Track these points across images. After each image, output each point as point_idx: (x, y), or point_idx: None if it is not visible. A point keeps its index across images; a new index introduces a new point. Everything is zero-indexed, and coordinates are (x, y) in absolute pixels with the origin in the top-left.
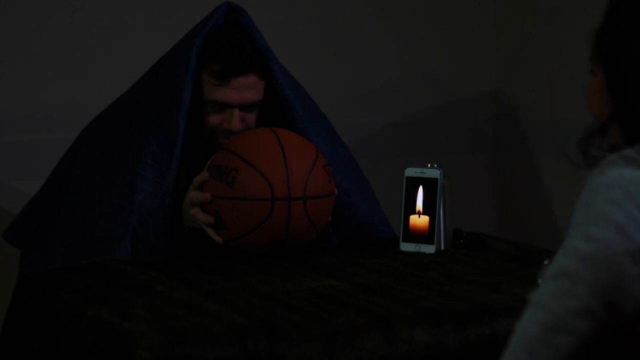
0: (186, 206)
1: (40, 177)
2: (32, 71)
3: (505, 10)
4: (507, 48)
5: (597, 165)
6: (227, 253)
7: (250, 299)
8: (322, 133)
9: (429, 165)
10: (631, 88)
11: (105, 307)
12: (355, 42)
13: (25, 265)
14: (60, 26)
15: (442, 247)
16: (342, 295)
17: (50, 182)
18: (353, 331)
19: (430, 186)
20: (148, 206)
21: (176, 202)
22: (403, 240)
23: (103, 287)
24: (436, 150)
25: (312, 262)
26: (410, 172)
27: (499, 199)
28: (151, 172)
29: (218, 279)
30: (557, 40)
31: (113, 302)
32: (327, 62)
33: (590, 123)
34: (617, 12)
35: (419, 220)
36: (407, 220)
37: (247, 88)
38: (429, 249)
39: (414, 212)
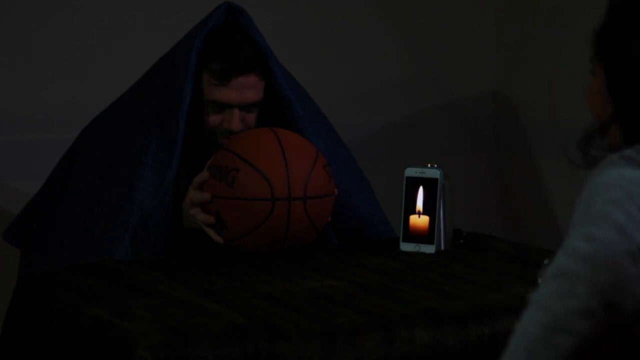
0: (186, 206)
1: (40, 177)
2: (32, 71)
3: (505, 10)
4: (507, 48)
5: (597, 165)
6: (227, 253)
7: (250, 299)
8: (322, 133)
9: (429, 165)
10: (631, 88)
11: (105, 307)
12: (355, 42)
13: (25, 265)
14: (60, 26)
15: (442, 247)
16: (342, 295)
17: (50, 182)
18: (353, 331)
19: (430, 186)
20: (148, 206)
21: (176, 202)
22: (403, 240)
23: (103, 287)
24: (436, 150)
25: (312, 262)
26: (410, 172)
27: (499, 199)
28: (151, 172)
29: (218, 279)
30: (557, 40)
31: (113, 302)
32: (327, 62)
33: (590, 123)
34: (617, 12)
35: (419, 220)
36: (407, 220)
37: (247, 88)
38: (429, 249)
39: (414, 212)
